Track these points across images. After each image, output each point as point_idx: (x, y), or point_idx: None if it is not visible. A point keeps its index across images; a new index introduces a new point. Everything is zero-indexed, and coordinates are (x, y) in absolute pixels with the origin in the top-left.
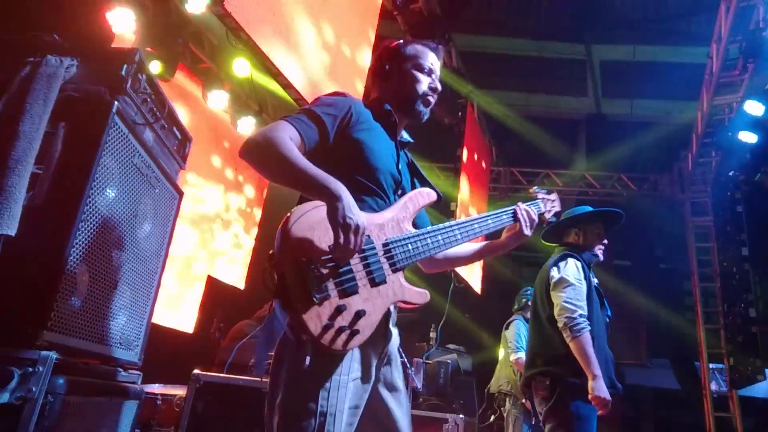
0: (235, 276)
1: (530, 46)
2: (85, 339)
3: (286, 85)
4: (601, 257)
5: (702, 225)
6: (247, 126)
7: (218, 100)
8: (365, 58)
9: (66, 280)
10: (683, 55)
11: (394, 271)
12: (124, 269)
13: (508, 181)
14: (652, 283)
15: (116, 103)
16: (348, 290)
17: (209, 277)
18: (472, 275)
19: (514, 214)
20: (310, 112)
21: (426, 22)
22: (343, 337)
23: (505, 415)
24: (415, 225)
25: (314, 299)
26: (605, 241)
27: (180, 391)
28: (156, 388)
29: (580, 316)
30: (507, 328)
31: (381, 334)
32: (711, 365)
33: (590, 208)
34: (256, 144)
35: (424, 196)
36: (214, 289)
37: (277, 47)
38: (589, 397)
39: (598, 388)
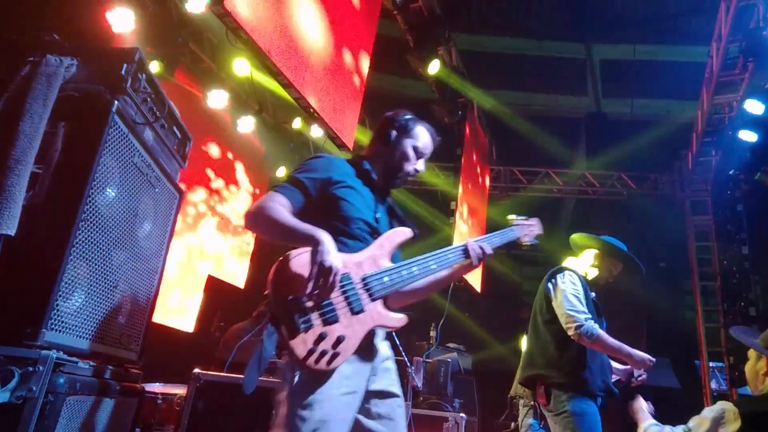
0: (235, 276)
1: (530, 46)
2: (85, 338)
3: (286, 85)
4: (601, 285)
5: (702, 224)
6: (247, 125)
7: (218, 99)
8: (365, 56)
9: (66, 279)
10: (683, 54)
11: (372, 300)
12: (124, 269)
13: (508, 181)
14: (652, 282)
15: (116, 102)
16: (329, 320)
17: (209, 277)
18: (472, 274)
19: (465, 250)
20: (293, 179)
21: (426, 21)
22: (326, 358)
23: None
24: (393, 261)
25: (300, 329)
26: (611, 279)
27: (180, 390)
28: (156, 388)
29: (587, 320)
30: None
31: (367, 351)
32: (711, 364)
33: (624, 247)
34: (251, 214)
35: (399, 234)
36: (214, 289)
37: (277, 46)
38: (635, 370)
39: (635, 355)
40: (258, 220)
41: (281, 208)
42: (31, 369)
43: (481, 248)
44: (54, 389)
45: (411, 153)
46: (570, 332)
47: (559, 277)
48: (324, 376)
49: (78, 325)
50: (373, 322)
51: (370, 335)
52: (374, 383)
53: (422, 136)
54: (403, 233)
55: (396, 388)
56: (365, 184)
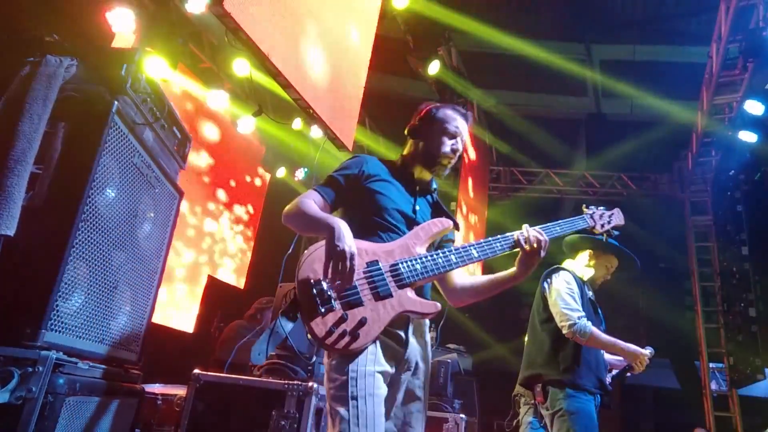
0: (235, 276)
1: (530, 46)
2: (85, 339)
3: (286, 85)
4: (598, 284)
5: (702, 224)
6: (247, 126)
7: (218, 99)
8: (365, 57)
9: (66, 280)
10: (683, 55)
11: (401, 286)
12: (124, 269)
13: (508, 181)
14: (652, 283)
15: (116, 103)
16: (352, 303)
17: (209, 277)
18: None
19: (517, 238)
20: (328, 177)
21: (426, 21)
22: (346, 339)
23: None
24: None
25: (320, 311)
26: (608, 277)
27: (180, 391)
28: (156, 388)
29: (579, 318)
30: None
31: (396, 340)
32: (711, 364)
33: (615, 243)
34: (286, 212)
35: (436, 224)
36: (214, 289)
37: (276, 47)
38: (634, 364)
39: (628, 349)
40: (291, 215)
41: (311, 202)
42: (30, 369)
43: (536, 236)
44: (53, 390)
45: (441, 135)
46: (564, 330)
47: (554, 276)
48: (352, 356)
49: (78, 325)
50: (402, 307)
51: (401, 325)
52: (406, 380)
53: (448, 117)
54: (441, 223)
55: (421, 391)
56: (402, 179)
